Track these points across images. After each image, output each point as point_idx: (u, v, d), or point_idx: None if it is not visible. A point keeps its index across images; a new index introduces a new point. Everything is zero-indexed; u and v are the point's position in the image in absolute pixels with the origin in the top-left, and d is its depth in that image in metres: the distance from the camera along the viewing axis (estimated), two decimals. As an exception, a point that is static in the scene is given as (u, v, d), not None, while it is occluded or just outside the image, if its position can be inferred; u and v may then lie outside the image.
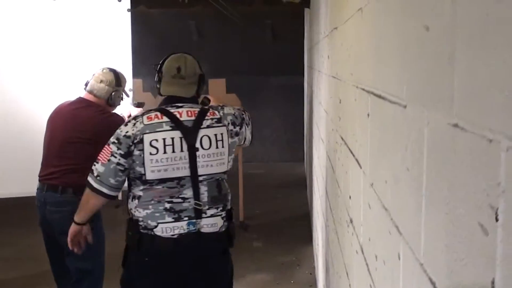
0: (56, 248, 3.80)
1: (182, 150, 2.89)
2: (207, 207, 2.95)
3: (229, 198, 3.10)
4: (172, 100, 3.04)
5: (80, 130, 3.79)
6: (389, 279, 1.34)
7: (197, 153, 2.92)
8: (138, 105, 4.55)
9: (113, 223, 4.89)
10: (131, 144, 2.86)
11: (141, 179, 2.90)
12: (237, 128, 3.09)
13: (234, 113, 3.12)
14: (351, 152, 2.13)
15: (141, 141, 2.86)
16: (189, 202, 2.92)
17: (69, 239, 3.21)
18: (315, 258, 5.32)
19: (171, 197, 2.91)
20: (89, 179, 2.94)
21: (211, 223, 2.97)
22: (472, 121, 0.77)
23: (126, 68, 4.41)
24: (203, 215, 2.94)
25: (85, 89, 3.95)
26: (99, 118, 3.84)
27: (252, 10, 8.80)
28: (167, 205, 2.90)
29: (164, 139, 2.87)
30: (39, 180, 3.87)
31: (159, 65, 3.14)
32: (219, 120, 3.01)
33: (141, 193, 2.92)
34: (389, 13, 1.39)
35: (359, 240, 1.89)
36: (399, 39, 1.25)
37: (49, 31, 4.61)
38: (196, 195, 2.93)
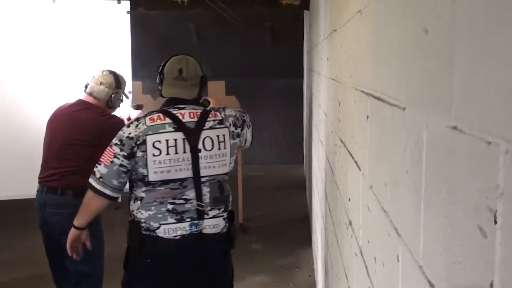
0: (56, 250, 3.80)
1: (185, 152, 2.90)
2: (209, 208, 2.96)
3: (231, 199, 3.11)
4: (174, 101, 3.04)
5: (80, 132, 3.79)
6: (388, 281, 1.34)
7: (200, 154, 2.92)
8: (137, 107, 4.55)
9: (112, 225, 4.89)
10: (134, 145, 2.86)
11: (143, 180, 2.90)
12: (238, 130, 3.10)
13: (235, 114, 3.13)
14: (350, 155, 2.13)
15: (144, 142, 2.86)
16: (191, 203, 2.93)
17: (68, 245, 3.19)
18: (314, 260, 5.32)
19: (174, 198, 2.91)
20: (91, 181, 2.92)
21: (213, 224, 2.97)
22: (471, 124, 0.77)
23: (125, 70, 4.41)
24: (205, 216, 2.95)
25: (85, 91, 3.95)
26: (99, 120, 3.84)
27: (252, 12, 8.80)
28: (170, 206, 2.90)
29: (167, 141, 2.88)
30: (39, 182, 3.87)
31: (160, 67, 3.15)
32: (221, 122, 3.02)
33: (143, 195, 2.92)
34: (388, 15, 1.39)
35: (358, 242, 1.89)
36: (398, 41, 1.26)
37: (49, 33, 4.61)
38: (199, 196, 2.94)
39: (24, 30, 4.57)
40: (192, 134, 2.93)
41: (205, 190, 2.96)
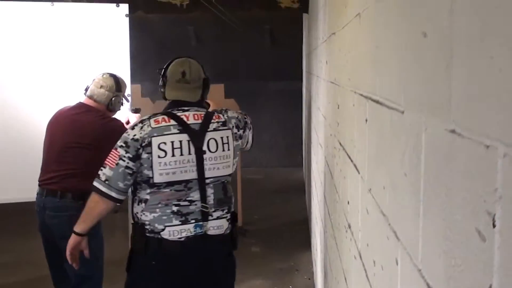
0: (56, 253, 3.79)
1: (189, 153, 2.91)
2: (213, 209, 2.97)
3: (233, 200, 3.12)
4: (177, 104, 3.05)
5: (80, 135, 3.79)
6: (387, 284, 1.34)
7: (204, 156, 2.94)
8: (135, 111, 4.54)
9: (112, 229, 4.89)
10: (139, 147, 2.86)
11: (148, 182, 2.90)
12: (241, 131, 3.11)
13: (238, 116, 3.14)
14: (349, 158, 2.13)
15: (149, 144, 2.86)
16: (196, 204, 2.93)
17: (68, 252, 3.14)
18: (314, 264, 5.32)
19: (178, 200, 2.91)
20: (96, 184, 2.91)
21: (217, 226, 2.98)
22: (470, 127, 0.77)
23: (124, 74, 4.41)
24: (210, 217, 2.96)
25: (85, 94, 3.95)
26: (99, 123, 3.84)
27: (251, 15, 8.79)
28: (175, 208, 2.91)
29: (172, 142, 2.89)
30: (39, 185, 3.87)
31: (163, 70, 3.15)
32: (224, 123, 3.03)
33: (148, 197, 2.92)
34: (387, 18, 1.39)
35: (357, 245, 1.89)
36: (397, 45, 1.26)
37: (48, 36, 4.60)
38: (203, 197, 2.94)
39: (23, 34, 4.57)
40: (196, 136, 2.94)
41: (209, 191, 2.97)
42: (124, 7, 4.83)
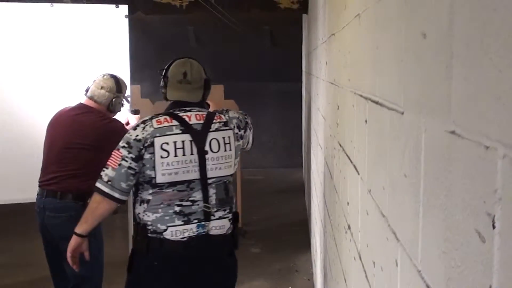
0: (56, 253, 3.78)
1: (192, 153, 2.91)
2: (215, 209, 2.98)
3: (235, 200, 3.13)
4: (179, 104, 3.06)
5: (80, 136, 3.78)
6: (386, 285, 1.34)
7: (206, 156, 2.94)
8: (134, 112, 4.54)
9: (111, 230, 4.89)
10: (141, 147, 2.86)
11: (150, 182, 2.90)
12: (242, 132, 3.12)
13: (238, 116, 3.15)
14: (349, 158, 2.13)
15: (152, 144, 2.87)
16: (198, 205, 2.94)
17: (69, 254, 3.12)
18: (313, 264, 5.32)
19: (181, 200, 2.92)
20: (99, 185, 2.90)
21: (219, 225, 2.99)
22: (469, 128, 0.77)
23: (124, 74, 4.40)
24: (212, 217, 2.96)
25: (85, 95, 3.95)
26: (99, 124, 3.84)
27: (250, 16, 8.79)
28: (177, 208, 2.91)
29: (175, 142, 2.89)
30: (39, 186, 3.86)
31: (164, 70, 3.15)
32: (226, 124, 3.04)
33: (150, 197, 2.92)
34: (387, 19, 1.39)
35: (357, 246, 1.89)
36: (397, 46, 1.26)
37: (47, 37, 4.60)
38: (205, 197, 2.95)
39: (23, 35, 4.56)
40: (199, 136, 2.95)
41: (211, 191, 2.97)
42: (124, 8, 4.83)
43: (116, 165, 2.86)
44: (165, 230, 2.89)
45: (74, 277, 3.77)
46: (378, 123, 1.50)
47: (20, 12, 4.56)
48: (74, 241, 3.09)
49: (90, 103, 3.91)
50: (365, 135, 1.71)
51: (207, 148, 2.95)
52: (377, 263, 1.48)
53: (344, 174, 2.32)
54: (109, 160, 2.89)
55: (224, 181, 3.03)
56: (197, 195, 2.94)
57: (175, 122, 2.94)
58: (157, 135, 2.88)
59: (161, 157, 2.86)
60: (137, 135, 2.89)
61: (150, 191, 2.91)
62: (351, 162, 2.06)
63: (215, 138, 2.98)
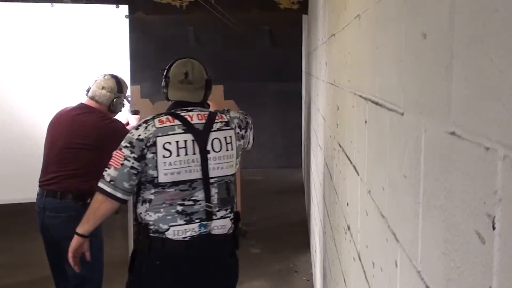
0: (57, 253, 3.78)
1: (194, 153, 2.92)
2: (217, 209, 2.98)
3: (236, 200, 3.14)
4: (181, 104, 3.06)
5: (81, 136, 3.78)
6: (386, 286, 1.34)
7: (209, 155, 2.95)
8: (134, 113, 4.54)
9: (111, 230, 4.88)
10: (144, 147, 2.87)
11: (152, 182, 2.90)
12: (243, 131, 3.14)
13: (239, 116, 3.17)
14: (349, 159, 2.13)
15: (154, 144, 2.87)
16: (200, 204, 2.94)
17: (70, 254, 3.10)
18: (313, 265, 5.32)
19: (183, 200, 2.92)
20: (101, 185, 2.90)
21: (221, 225, 3.00)
22: (469, 129, 0.77)
23: (124, 75, 4.40)
24: (214, 217, 2.97)
25: (86, 95, 3.95)
26: (100, 124, 3.84)
27: (250, 16, 8.79)
28: (179, 208, 2.91)
29: (177, 142, 2.90)
30: (39, 186, 3.86)
31: (165, 70, 3.16)
32: (227, 124, 3.06)
33: (152, 197, 2.92)
34: (387, 19, 1.39)
35: (356, 247, 1.89)
36: (397, 46, 1.26)
37: (47, 37, 4.60)
38: (207, 197, 2.96)
39: (23, 35, 4.56)
40: (201, 136, 2.95)
41: (213, 191, 2.98)
42: (124, 8, 4.83)
43: (119, 165, 2.86)
44: (167, 229, 2.89)
45: (74, 278, 3.76)
46: (378, 123, 1.50)
47: (20, 12, 4.57)
48: (75, 241, 3.08)
49: (91, 103, 3.92)
50: (365, 136, 1.71)
51: (209, 147, 2.96)
52: (377, 263, 1.48)
53: (344, 174, 2.32)
54: (111, 160, 2.89)
55: (226, 181, 3.04)
56: (199, 195, 2.94)
57: (177, 122, 2.94)
58: (160, 134, 2.89)
59: (164, 156, 2.87)
60: (139, 135, 2.89)
61: (152, 190, 2.91)
62: (351, 162, 2.06)
63: (217, 138, 2.98)
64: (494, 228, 0.67)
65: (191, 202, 2.93)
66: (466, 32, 0.79)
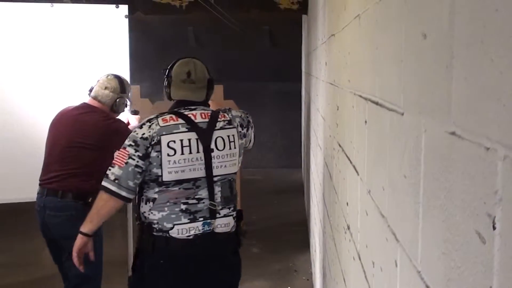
0: (59, 250, 3.78)
1: (198, 151, 2.93)
2: (220, 207, 2.99)
3: (237, 198, 3.14)
4: (183, 104, 3.07)
5: (83, 135, 3.78)
6: (386, 286, 1.34)
7: (212, 154, 2.96)
8: (134, 113, 4.55)
9: (111, 229, 4.88)
10: (148, 145, 2.87)
11: (156, 181, 2.91)
12: (244, 130, 3.16)
13: (241, 115, 3.19)
14: (349, 159, 2.13)
15: (159, 142, 2.88)
16: (204, 202, 2.95)
17: (74, 254, 3.08)
18: (312, 264, 5.32)
19: (187, 198, 2.93)
20: (105, 184, 2.89)
21: (224, 223, 3.01)
22: (470, 130, 0.77)
23: (124, 74, 4.40)
24: (217, 215, 2.98)
25: (89, 95, 3.95)
26: (103, 123, 3.84)
27: (250, 16, 8.79)
28: (183, 206, 2.92)
29: (181, 141, 2.90)
30: (40, 185, 3.86)
31: (167, 70, 3.16)
32: (230, 122, 3.07)
33: (156, 196, 2.92)
34: (387, 19, 1.39)
35: (356, 246, 1.89)
36: (397, 46, 1.26)
37: (47, 37, 4.60)
38: (211, 195, 2.96)
39: (23, 35, 4.57)
40: (204, 134, 2.96)
41: (217, 189, 2.99)
42: (124, 8, 4.83)
43: (123, 163, 2.86)
44: (171, 228, 2.90)
45: (74, 277, 3.76)
46: (378, 123, 1.50)
47: (20, 12, 4.57)
48: (80, 240, 3.07)
49: (94, 103, 3.92)
50: (365, 136, 1.71)
51: (212, 146, 2.97)
52: (377, 263, 1.48)
53: (344, 174, 2.32)
54: (116, 159, 2.89)
55: (229, 179, 3.05)
56: (203, 193, 2.95)
57: (181, 121, 2.95)
58: (164, 133, 2.89)
59: (168, 155, 2.87)
60: (143, 134, 2.90)
61: (156, 189, 2.92)
62: (351, 162, 2.06)
63: (220, 136, 3.00)
64: (494, 228, 0.67)
65: (195, 201, 2.93)
66: (466, 32, 0.79)
